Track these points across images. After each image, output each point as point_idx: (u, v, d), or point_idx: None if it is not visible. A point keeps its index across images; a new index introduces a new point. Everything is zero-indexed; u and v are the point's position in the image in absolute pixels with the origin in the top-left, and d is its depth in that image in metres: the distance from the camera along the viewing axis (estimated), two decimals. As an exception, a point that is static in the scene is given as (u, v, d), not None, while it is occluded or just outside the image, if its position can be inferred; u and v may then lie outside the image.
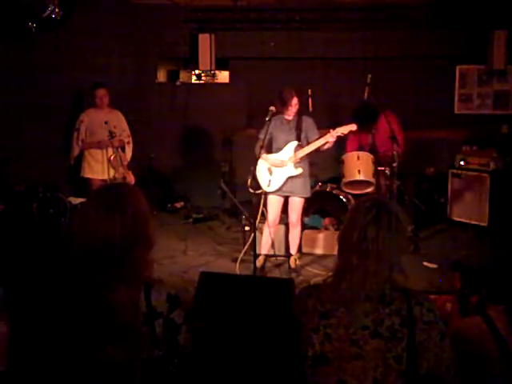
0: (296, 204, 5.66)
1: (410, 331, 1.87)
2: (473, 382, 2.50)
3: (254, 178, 5.34)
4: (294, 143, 5.53)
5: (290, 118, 5.55)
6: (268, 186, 5.55)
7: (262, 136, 5.49)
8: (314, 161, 5.87)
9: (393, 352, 1.86)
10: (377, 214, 1.94)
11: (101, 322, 1.67)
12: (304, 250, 6.24)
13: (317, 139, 5.45)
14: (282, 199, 5.68)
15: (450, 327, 2.73)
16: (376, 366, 1.87)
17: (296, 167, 5.53)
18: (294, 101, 5.45)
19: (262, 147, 5.38)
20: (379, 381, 1.87)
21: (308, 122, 5.60)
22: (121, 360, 1.61)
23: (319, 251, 6.25)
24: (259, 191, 5.45)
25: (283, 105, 5.45)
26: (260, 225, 5.79)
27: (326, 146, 5.46)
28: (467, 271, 2.95)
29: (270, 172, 5.57)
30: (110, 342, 1.64)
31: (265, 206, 5.73)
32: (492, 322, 2.46)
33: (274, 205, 5.67)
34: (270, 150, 5.65)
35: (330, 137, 5.35)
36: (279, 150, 5.56)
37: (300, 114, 5.61)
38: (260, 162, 5.58)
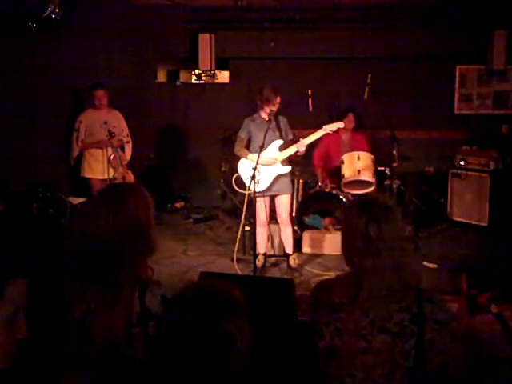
0: (285, 202, 5.66)
1: (419, 329, 1.86)
2: (484, 381, 2.51)
3: (239, 178, 5.35)
4: (279, 142, 5.55)
5: (267, 117, 5.51)
6: (257, 185, 5.39)
7: (243, 136, 5.56)
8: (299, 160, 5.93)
9: (400, 348, 1.86)
10: (370, 212, 1.94)
11: None
12: (304, 249, 6.24)
13: (298, 139, 5.49)
14: (268, 199, 5.67)
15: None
16: (384, 362, 1.87)
17: (284, 165, 5.57)
18: (278, 100, 5.44)
19: (244, 147, 5.48)
20: (387, 376, 1.87)
21: (284, 122, 5.62)
22: None
23: (319, 251, 6.25)
24: (244, 191, 5.40)
25: (266, 103, 5.41)
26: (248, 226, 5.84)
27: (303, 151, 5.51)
28: (475, 272, 2.95)
29: (258, 171, 5.41)
30: None
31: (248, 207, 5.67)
32: (505, 322, 2.46)
33: (262, 206, 5.59)
34: (248, 150, 5.63)
35: (322, 131, 5.45)
36: (261, 149, 5.27)
37: (276, 113, 5.56)
38: (242, 162, 5.60)
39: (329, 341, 1.94)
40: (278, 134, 5.55)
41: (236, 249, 5.61)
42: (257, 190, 5.35)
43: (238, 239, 5.53)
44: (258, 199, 5.46)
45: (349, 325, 1.92)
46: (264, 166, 5.46)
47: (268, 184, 5.56)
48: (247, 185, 5.37)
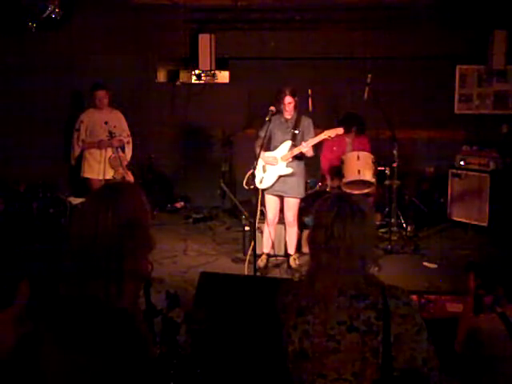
0: (291, 204, 5.67)
1: (385, 325, 1.87)
2: (485, 379, 2.51)
3: (253, 176, 5.35)
4: (289, 143, 5.57)
5: (289, 116, 5.56)
6: (260, 183, 5.57)
7: (262, 134, 5.55)
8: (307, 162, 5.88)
9: (369, 345, 1.87)
10: (339, 210, 1.93)
11: None
12: (304, 250, 6.23)
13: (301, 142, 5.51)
14: (278, 199, 5.70)
15: (461, 325, 2.75)
16: (354, 360, 1.88)
17: (287, 166, 5.56)
18: (287, 99, 5.46)
19: (261, 145, 5.41)
20: (358, 374, 1.88)
21: (306, 123, 5.63)
22: None
23: (319, 251, 6.23)
24: (252, 187, 5.42)
25: (277, 103, 5.47)
26: (260, 224, 5.80)
27: (309, 153, 5.54)
28: (483, 272, 2.95)
29: (264, 169, 5.59)
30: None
31: (262, 204, 5.72)
32: (509, 321, 2.47)
33: (271, 204, 5.68)
34: (268, 148, 5.67)
35: (319, 139, 5.48)
36: (276, 148, 5.59)
37: (300, 113, 5.62)
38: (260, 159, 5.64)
39: (297, 344, 1.94)
40: (290, 134, 5.56)
41: (250, 247, 5.46)
42: (260, 188, 5.45)
43: (252, 238, 5.46)
44: (266, 197, 5.54)
45: (317, 326, 1.92)
46: (269, 166, 5.57)
47: (271, 183, 5.59)
48: (255, 180, 5.43)
